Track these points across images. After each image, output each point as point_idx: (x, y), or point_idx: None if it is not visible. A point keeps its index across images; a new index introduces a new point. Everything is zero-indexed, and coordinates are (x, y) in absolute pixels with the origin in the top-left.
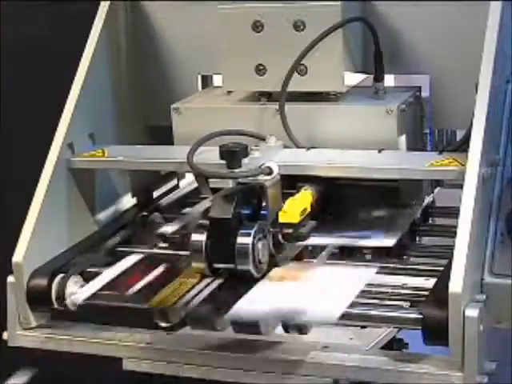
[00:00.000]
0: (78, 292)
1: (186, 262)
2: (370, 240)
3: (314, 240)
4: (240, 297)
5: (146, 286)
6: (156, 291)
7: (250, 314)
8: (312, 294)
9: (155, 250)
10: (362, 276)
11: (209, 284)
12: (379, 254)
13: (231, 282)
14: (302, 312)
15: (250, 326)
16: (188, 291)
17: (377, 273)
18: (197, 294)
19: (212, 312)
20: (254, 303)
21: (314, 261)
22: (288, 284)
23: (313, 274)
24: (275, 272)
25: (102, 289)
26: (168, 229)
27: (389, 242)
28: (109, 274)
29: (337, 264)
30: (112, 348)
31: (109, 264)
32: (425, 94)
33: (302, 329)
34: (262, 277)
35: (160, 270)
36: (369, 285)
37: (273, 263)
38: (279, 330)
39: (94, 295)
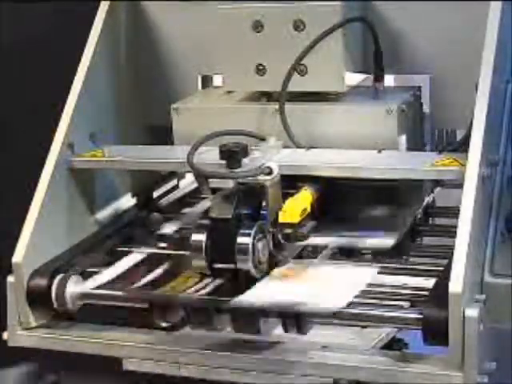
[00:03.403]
0: (76, 290)
1: (186, 261)
2: (370, 240)
3: (314, 240)
4: None
5: (146, 285)
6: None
7: (249, 306)
8: (313, 291)
9: (155, 250)
10: (362, 275)
11: (209, 284)
12: (379, 253)
13: (231, 281)
14: (302, 304)
15: (249, 324)
16: (188, 291)
17: (377, 273)
18: (196, 294)
19: (212, 312)
20: (253, 298)
21: (315, 261)
22: (288, 283)
23: (313, 274)
24: (275, 272)
25: (101, 288)
26: (168, 230)
27: (388, 242)
28: (108, 273)
29: (337, 264)
30: (112, 348)
31: (109, 264)
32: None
33: (301, 329)
34: (262, 277)
35: (160, 269)
36: (369, 285)
37: (273, 263)
38: (279, 329)
39: (93, 294)
